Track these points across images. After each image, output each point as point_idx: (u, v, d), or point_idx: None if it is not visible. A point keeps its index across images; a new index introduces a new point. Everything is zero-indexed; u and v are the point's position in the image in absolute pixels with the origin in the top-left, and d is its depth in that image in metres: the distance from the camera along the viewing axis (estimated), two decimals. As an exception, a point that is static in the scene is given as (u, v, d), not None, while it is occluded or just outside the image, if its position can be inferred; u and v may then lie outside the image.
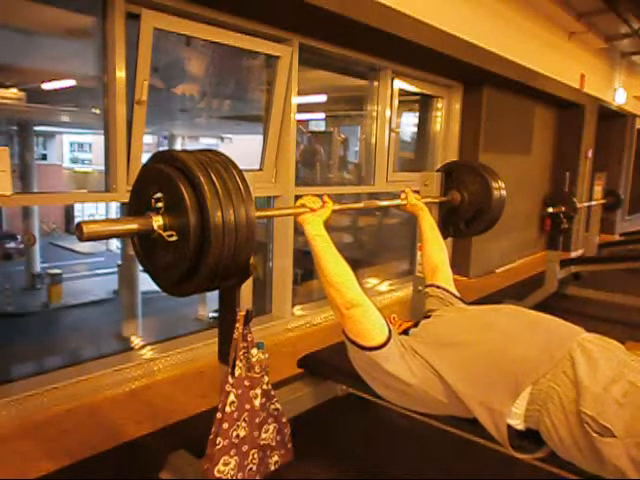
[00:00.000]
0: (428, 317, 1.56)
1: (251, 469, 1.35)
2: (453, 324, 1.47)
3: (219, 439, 1.28)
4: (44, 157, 14.46)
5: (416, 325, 1.53)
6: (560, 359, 1.19)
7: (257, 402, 1.37)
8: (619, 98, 6.45)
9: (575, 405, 1.13)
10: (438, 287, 1.76)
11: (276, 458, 1.45)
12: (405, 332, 1.51)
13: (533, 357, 1.23)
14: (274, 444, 1.44)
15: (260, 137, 2.90)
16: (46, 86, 4.00)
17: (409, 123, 4.61)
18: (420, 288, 2.15)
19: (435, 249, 1.91)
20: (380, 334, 1.31)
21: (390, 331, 1.33)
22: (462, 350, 1.32)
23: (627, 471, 1.07)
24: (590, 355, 1.18)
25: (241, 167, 1.23)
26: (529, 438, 1.26)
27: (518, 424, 1.24)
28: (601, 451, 1.08)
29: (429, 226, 1.99)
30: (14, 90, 3.95)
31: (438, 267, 1.84)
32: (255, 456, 1.36)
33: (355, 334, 1.33)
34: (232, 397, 1.31)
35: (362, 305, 1.32)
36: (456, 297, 1.73)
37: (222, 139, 9.77)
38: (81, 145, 16.82)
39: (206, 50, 2.88)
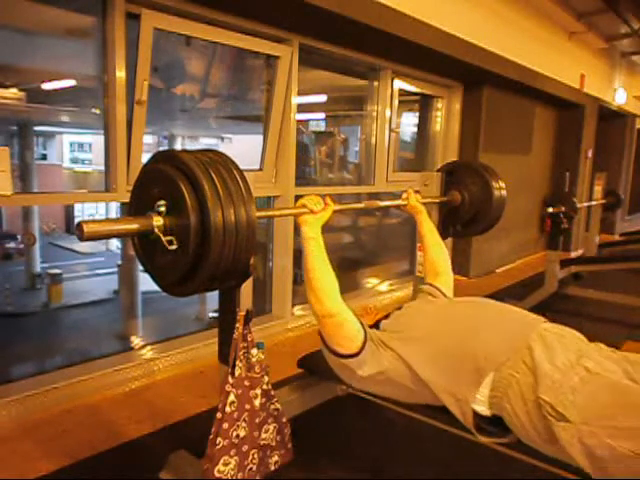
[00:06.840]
0: (399, 309, 1.59)
1: (251, 469, 1.35)
2: (420, 315, 1.52)
3: (219, 439, 1.28)
4: (44, 157, 14.47)
5: (387, 317, 1.56)
6: (520, 348, 1.23)
7: (257, 402, 1.37)
8: (619, 98, 6.45)
9: (533, 392, 1.16)
10: (434, 286, 1.77)
11: (276, 458, 1.45)
12: (376, 324, 1.54)
13: (494, 346, 1.26)
14: (274, 444, 1.44)
15: (260, 137, 2.90)
16: (46, 86, 4.00)
17: (409, 123, 4.61)
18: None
19: (438, 255, 1.88)
20: (353, 344, 1.33)
21: (365, 337, 1.35)
22: (428, 341, 1.36)
23: (577, 458, 1.08)
24: (547, 343, 1.21)
25: (241, 167, 1.23)
26: (497, 424, 1.28)
27: (484, 410, 1.26)
28: (556, 435, 1.10)
29: (429, 230, 1.96)
30: (14, 90, 3.95)
31: (440, 273, 1.83)
32: (255, 456, 1.36)
33: (329, 341, 1.36)
34: (232, 397, 1.31)
35: (337, 316, 1.34)
36: (445, 297, 1.74)
37: (222, 139, 9.75)
38: (81, 145, 16.82)
39: (206, 50, 2.88)
